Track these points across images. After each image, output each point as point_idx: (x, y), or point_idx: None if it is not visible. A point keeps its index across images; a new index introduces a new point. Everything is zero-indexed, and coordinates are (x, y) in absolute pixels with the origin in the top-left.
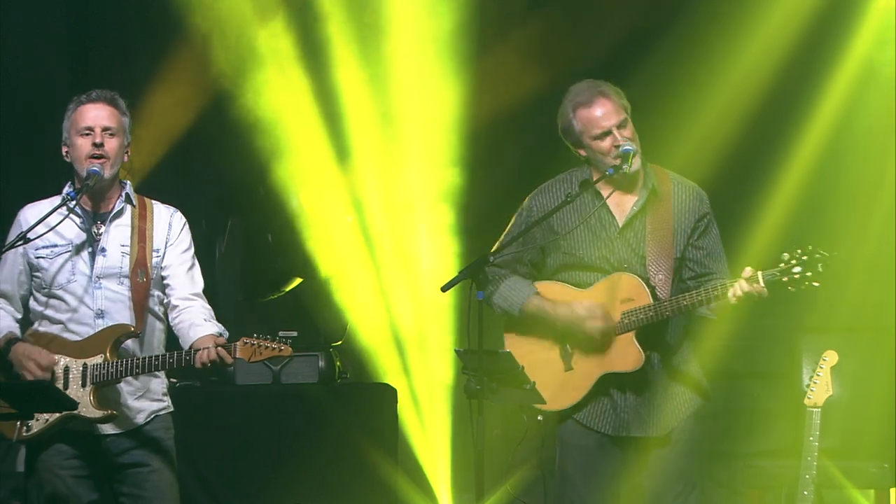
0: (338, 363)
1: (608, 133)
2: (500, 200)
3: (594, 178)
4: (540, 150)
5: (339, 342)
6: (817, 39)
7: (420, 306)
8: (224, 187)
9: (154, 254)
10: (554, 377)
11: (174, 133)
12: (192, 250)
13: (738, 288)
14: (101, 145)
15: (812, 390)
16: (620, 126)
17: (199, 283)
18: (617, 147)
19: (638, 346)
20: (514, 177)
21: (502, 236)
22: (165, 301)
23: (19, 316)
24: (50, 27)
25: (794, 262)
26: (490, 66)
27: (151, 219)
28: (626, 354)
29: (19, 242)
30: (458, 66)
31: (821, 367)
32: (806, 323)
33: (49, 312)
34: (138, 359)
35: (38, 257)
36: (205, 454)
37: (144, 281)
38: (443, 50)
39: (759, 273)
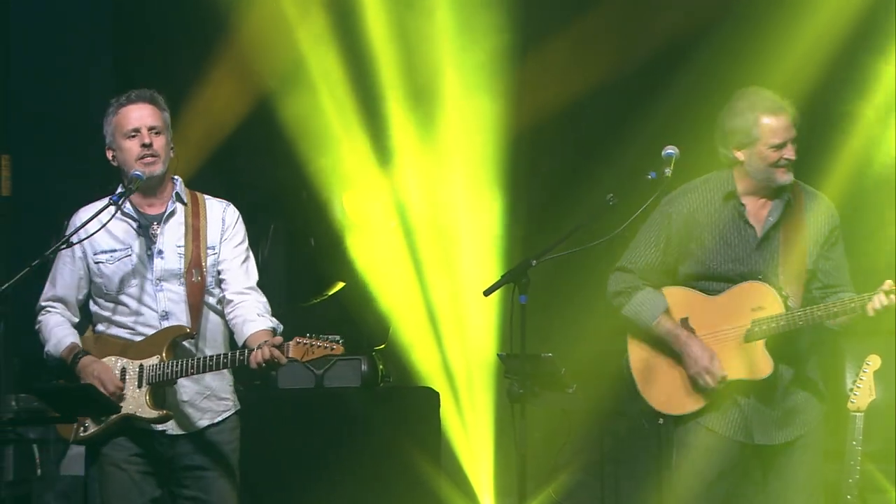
0: (381, 367)
1: (784, 145)
2: (543, 204)
3: (737, 186)
4: (582, 154)
5: (383, 346)
6: (860, 41)
7: (463, 310)
8: (267, 191)
9: (209, 251)
10: (676, 382)
11: (217, 137)
12: (247, 243)
13: (877, 301)
14: (150, 145)
15: (855, 394)
16: (794, 141)
17: (254, 277)
18: (787, 160)
19: (768, 354)
20: (556, 181)
21: (636, 239)
22: (221, 296)
23: (76, 321)
24: (95, 29)
25: None
26: (533, 71)
27: (205, 215)
28: (757, 362)
29: (63, 246)
30: (500, 70)
31: (864, 372)
32: (849, 327)
33: (114, 316)
34: (194, 359)
35: (97, 262)
36: (248, 458)
37: (199, 280)
38: (485, 55)
39: None
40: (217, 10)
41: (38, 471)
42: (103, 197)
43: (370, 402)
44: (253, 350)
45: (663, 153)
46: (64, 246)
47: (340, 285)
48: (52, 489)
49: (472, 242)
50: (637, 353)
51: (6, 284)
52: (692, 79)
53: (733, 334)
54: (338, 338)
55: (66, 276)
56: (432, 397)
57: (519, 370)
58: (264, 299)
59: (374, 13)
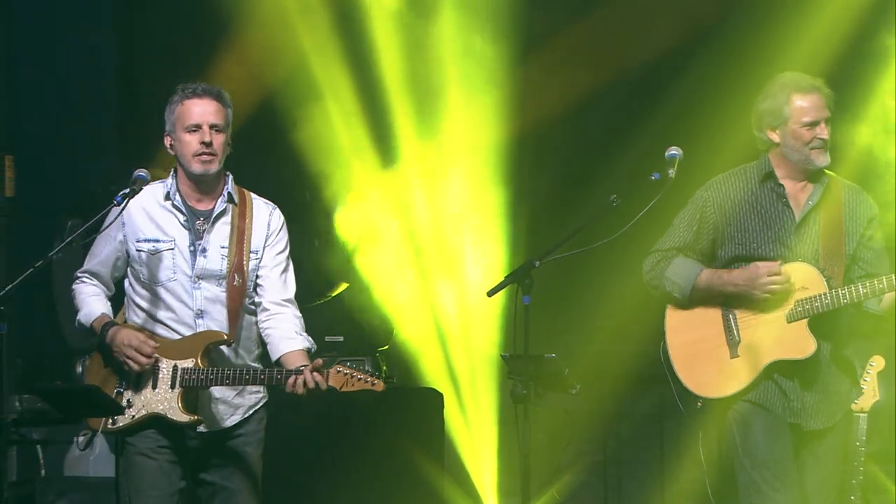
0: (384, 368)
1: (816, 124)
2: (546, 205)
3: (775, 170)
4: (585, 155)
5: (386, 347)
6: (866, 38)
7: (466, 311)
8: (270, 192)
9: (252, 255)
10: (718, 365)
11: None
12: (288, 251)
13: None
14: (209, 144)
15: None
16: (826, 122)
17: (292, 288)
18: (821, 139)
19: (811, 333)
20: (559, 182)
21: (671, 224)
22: (256, 300)
23: (111, 293)
24: (97, 29)
25: None
26: (536, 72)
27: (251, 217)
28: (799, 341)
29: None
30: (504, 72)
31: (867, 373)
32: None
33: (151, 308)
34: (229, 370)
35: (138, 251)
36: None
37: (240, 284)
38: (488, 56)
39: None
40: (220, 10)
41: (42, 471)
42: (155, 182)
43: (373, 403)
44: (291, 371)
45: (667, 154)
46: (63, 251)
47: (344, 286)
48: (56, 490)
49: (475, 243)
50: (676, 338)
51: (10, 285)
52: (696, 79)
53: (775, 315)
54: (378, 373)
55: (104, 254)
56: (436, 398)
57: (522, 371)
58: (300, 314)
59: (379, 16)
